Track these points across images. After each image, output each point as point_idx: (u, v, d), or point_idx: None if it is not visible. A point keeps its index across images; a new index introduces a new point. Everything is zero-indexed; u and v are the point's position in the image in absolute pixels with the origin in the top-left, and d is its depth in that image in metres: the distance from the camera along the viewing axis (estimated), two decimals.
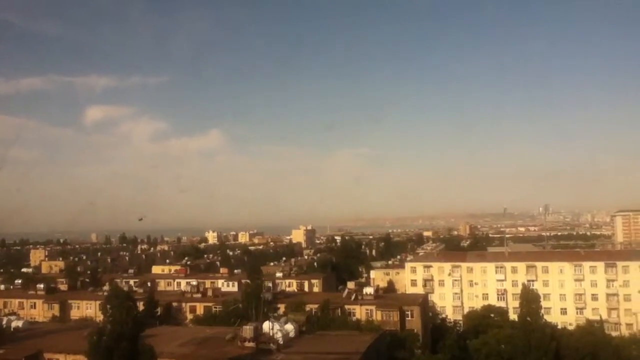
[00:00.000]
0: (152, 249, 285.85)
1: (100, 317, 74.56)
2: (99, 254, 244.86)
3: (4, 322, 61.16)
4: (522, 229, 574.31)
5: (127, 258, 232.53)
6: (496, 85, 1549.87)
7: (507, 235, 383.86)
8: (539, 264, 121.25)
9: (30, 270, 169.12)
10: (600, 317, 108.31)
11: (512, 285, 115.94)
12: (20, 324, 62.22)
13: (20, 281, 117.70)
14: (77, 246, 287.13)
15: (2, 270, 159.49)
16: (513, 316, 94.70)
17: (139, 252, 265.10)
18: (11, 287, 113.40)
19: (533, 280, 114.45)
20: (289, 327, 53.44)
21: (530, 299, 76.60)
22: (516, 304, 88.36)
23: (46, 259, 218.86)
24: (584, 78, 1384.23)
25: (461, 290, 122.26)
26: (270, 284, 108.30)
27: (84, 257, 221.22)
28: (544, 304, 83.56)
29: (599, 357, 73.70)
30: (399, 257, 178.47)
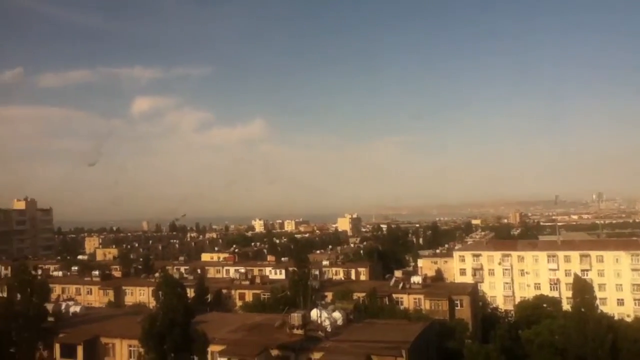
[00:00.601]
0: (201, 237, 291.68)
1: (152, 303, 76.61)
2: (150, 241, 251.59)
3: (63, 307, 63.36)
4: (575, 217, 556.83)
5: (177, 246, 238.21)
6: (547, 70, 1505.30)
7: (559, 224, 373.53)
8: (593, 253, 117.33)
9: (85, 257, 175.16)
10: None
11: (565, 275, 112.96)
12: (77, 309, 64.33)
13: (76, 268, 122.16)
14: (129, 234, 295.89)
15: (59, 258, 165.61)
16: (566, 306, 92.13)
17: (188, 239, 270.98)
18: (68, 273, 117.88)
19: (587, 270, 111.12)
20: (337, 315, 53.35)
21: (583, 289, 74.17)
22: (569, 294, 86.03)
23: (100, 246, 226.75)
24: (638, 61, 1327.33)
25: (512, 279, 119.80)
26: (317, 272, 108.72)
27: (136, 245, 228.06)
28: (599, 294, 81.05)
29: None
30: (446, 245, 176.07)
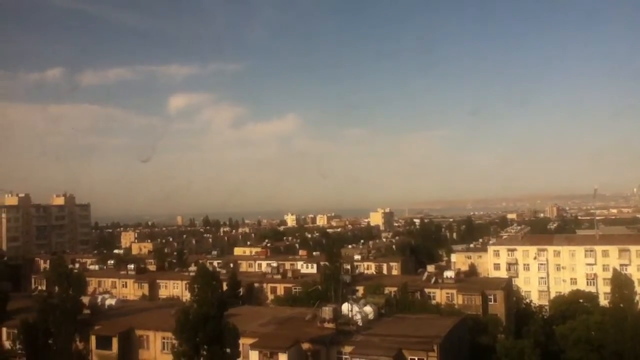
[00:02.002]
0: (233, 231, 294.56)
1: (186, 297, 77.82)
2: (184, 236, 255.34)
3: (99, 300, 64.83)
4: (615, 211, 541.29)
5: (210, 240, 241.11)
6: (580, 60, 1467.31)
7: (597, 218, 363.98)
8: (633, 248, 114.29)
9: (121, 251, 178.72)
10: None
11: (603, 270, 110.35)
12: (113, 302, 65.67)
13: (112, 262, 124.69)
14: (163, 229, 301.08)
15: (96, 252, 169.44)
16: (604, 302, 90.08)
17: (221, 234, 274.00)
18: (104, 267, 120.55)
19: (626, 265, 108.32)
20: (368, 309, 53.21)
21: (622, 284, 72.17)
22: (607, 289, 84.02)
23: (136, 240, 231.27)
24: None
25: (547, 274, 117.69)
26: (348, 267, 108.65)
27: (171, 239, 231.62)
28: (639, 289, 78.74)
29: None
30: (481, 240, 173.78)
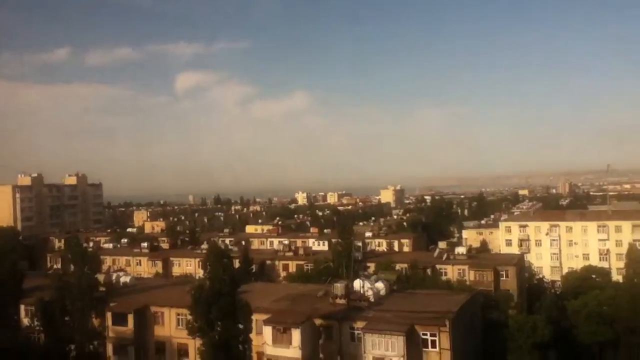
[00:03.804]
0: (245, 209, 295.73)
1: (199, 274, 78.61)
2: (196, 214, 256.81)
3: (114, 277, 65.58)
4: (628, 186, 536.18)
5: (221, 218, 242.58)
6: (593, 35, 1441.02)
7: (610, 193, 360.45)
8: None
9: (134, 230, 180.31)
10: None
11: (616, 245, 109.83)
12: (128, 279, 66.40)
13: (126, 240, 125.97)
14: (175, 207, 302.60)
15: (109, 231, 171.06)
16: (616, 277, 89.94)
17: (232, 212, 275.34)
18: (118, 245, 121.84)
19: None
20: (380, 285, 53.42)
21: (637, 259, 71.93)
22: (620, 264, 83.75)
23: (148, 219, 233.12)
24: None
25: (559, 250, 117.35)
26: (359, 244, 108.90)
27: (183, 218, 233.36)
28: None
29: None
30: (492, 216, 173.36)
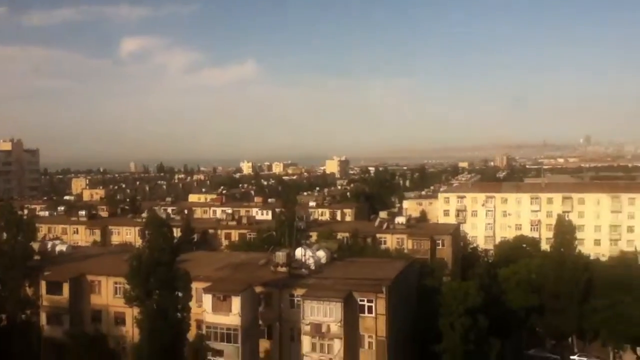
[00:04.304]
0: (188, 178, 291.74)
1: (139, 243, 77.47)
2: (138, 182, 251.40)
3: (49, 246, 63.78)
4: (562, 161, 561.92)
5: (164, 187, 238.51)
6: (533, 12, 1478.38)
7: (545, 167, 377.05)
8: (576, 196, 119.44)
9: (72, 198, 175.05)
10: (636, 248, 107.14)
11: (547, 216, 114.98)
12: (64, 248, 64.70)
13: (63, 208, 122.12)
14: (116, 175, 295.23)
15: (45, 198, 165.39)
16: (545, 247, 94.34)
17: (176, 181, 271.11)
18: (55, 213, 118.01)
19: (568, 212, 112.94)
20: (321, 253, 54.35)
21: (565, 230, 75.91)
22: (549, 234, 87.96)
23: (87, 187, 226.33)
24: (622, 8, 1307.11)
25: (494, 220, 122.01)
26: (303, 213, 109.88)
27: (123, 186, 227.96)
28: (578, 235, 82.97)
29: (631, 288, 73.19)
30: (432, 187, 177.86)
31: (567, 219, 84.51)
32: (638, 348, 70.04)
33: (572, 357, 72.60)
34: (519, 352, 66.99)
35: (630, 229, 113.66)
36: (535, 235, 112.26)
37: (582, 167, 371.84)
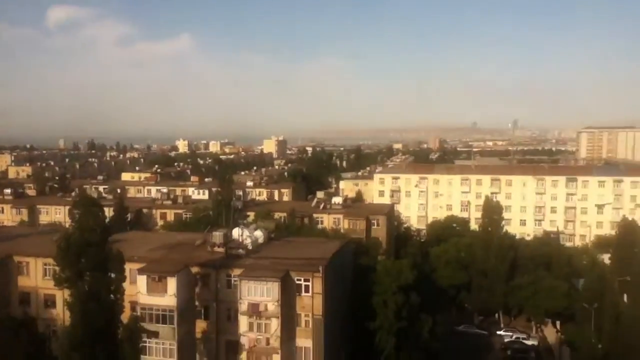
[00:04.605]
0: (121, 156, 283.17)
1: (69, 223, 74.95)
2: (67, 160, 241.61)
3: None
4: (490, 144, 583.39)
5: (95, 165, 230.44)
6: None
7: (475, 149, 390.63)
8: (503, 177, 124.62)
9: None
10: (557, 228, 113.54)
11: (476, 197, 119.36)
12: None
13: None
14: (44, 152, 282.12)
15: None
16: (474, 226, 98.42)
17: (108, 159, 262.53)
18: None
19: (496, 193, 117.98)
20: (258, 233, 54.46)
21: (492, 210, 79.63)
22: (479, 215, 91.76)
23: (12, 164, 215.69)
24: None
25: (427, 201, 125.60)
26: (240, 193, 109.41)
27: (52, 163, 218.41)
28: (505, 215, 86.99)
29: (552, 265, 77.87)
30: (368, 168, 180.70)
31: (494, 200, 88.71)
32: (557, 322, 74.74)
33: (498, 332, 76.58)
34: (449, 328, 69.93)
35: (553, 210, 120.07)
36: (465, 215, 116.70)
37: (510, 151, 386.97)
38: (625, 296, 57.56)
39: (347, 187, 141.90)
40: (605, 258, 77.69)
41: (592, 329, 57.57)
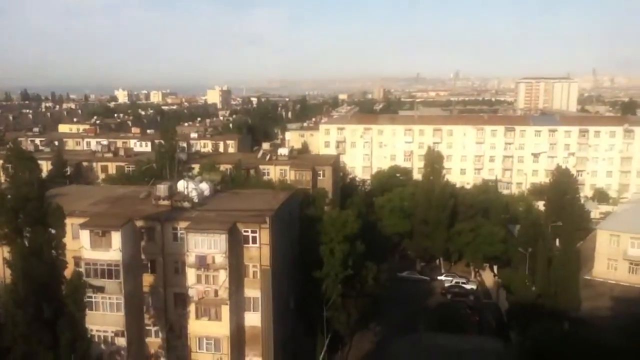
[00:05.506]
0: (57, 107, 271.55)
1: (2, 178, 71.95)
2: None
3: None
4: (433, 94, 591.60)
5: (30, 116, 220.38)
6: None
7: (417, 100, 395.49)
8: (445, 127, 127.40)
9: None
10: (496, 177, 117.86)
11: (419, 147, 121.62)
12: None
13: None
14: None
15: None
16: (417, 176, 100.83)
17: (43, 110, 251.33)
18: None
19: (438, 143, 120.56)
20: (204, 186, 53.94)
21: (434, 160, 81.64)
22: (421, 164, 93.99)
23: None
24: None
25: (371, 151, 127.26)
26: (184, 145, 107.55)
27: None
28: (446, 164, 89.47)
29: (490, 212, 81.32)
30: (314, 119, 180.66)
31: (436, 150, 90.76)
32: (495, 266, 78.74)
33: (439, 277, 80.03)
34: (392, 274, 72.43)
35: (492, 159, 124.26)
36: (408, 165, 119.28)
37: (452, 101, 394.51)
38: (557, 241, 60.86)
39: (293, 138, 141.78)
40: (540, 205, 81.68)
41: (526, 272, 61.02)
